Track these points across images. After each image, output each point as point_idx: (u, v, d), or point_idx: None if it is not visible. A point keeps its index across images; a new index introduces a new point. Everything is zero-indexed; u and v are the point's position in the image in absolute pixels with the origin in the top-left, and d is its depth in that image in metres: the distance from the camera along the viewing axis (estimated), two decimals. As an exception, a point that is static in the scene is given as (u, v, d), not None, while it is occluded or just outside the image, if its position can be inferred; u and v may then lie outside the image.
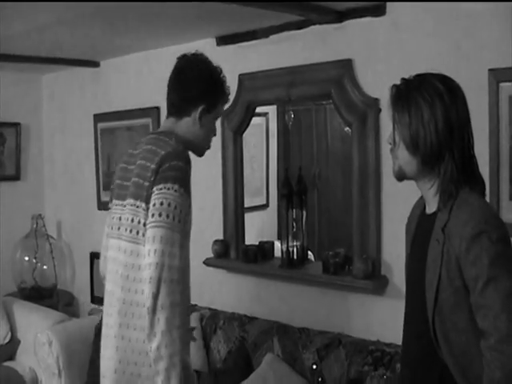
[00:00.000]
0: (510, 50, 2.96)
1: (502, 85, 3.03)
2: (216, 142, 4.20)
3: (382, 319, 3.48)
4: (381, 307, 3.48)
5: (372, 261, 3.42)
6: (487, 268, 1.78)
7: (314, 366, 3.43)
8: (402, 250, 3.35)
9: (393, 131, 1.99)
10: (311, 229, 4.54)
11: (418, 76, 1.98)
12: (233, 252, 4.12)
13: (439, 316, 1.91)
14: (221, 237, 4.19)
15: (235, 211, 4.14)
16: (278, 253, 4.01)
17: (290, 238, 3.80)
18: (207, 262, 4.16)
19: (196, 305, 4.22)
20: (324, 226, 5.04)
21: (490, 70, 3.04)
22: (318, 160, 5.14)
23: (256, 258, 3.96)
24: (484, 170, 3.08)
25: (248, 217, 4.39)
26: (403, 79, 1.99)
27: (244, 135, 4.21)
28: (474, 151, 2.01)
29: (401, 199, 3.39)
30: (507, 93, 3.03)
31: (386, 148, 3.43)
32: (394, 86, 1.98)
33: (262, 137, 5.39)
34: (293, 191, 3.82)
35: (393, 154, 2.02)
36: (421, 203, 2.14)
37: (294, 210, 3.85)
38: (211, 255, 4.15)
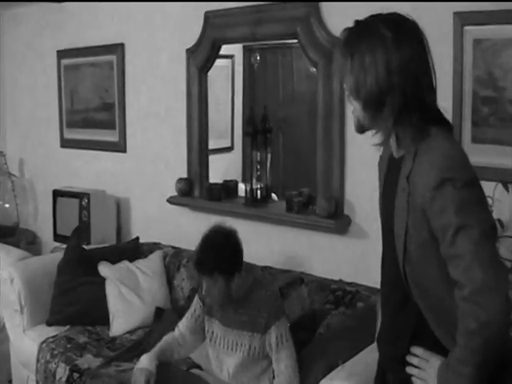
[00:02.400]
0: (476, -7, 2.97)
1: (466, 28, 3.05)
2: (181, 79, 4.20)
3: (344, 259, 3.55)
4: (343, 247, 3.55)
5: (335, 200, 3.46)
6: (454, 217, 1.69)
7: (277, 304, 3.50)
8: (364, 190, 3.44)
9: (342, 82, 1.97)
10: (276, 170, 4.56)
11: (368, 20, 1.88)
12: (197, 190, 4.14)
13: (409, 266, 1.85)
14: (185, 175, 4.19)
15: (199, 149, 4.15)
16: (242, 193, 4.04)
17: (254, 177, 3.82)
18: (171, 200, 4.17)
19: (159, 243, 4.25)
20: (289, 167, 5.06)
21: (454, 13, 3.05)
22: (284, 102, 5.13)
23: (220, 197, 3.99)
24: (447, 113, 3.15)
25: (213, 159, 4.40)
26: (355, 22, 1.89)
27: (210, 77, 4.19)
28: (433, 95, 1.89)
29: (364, 140, 3.42)
30: (471, 36, 3.04)
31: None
32: (344, 30, 1.89)
33: (227, 79, 5.35)
34: (257, 130, 3.83)
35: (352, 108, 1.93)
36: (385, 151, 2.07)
37: (259, 150, 3.86)
38: (175, 193, 4.16)
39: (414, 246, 1.82)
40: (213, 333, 3.04)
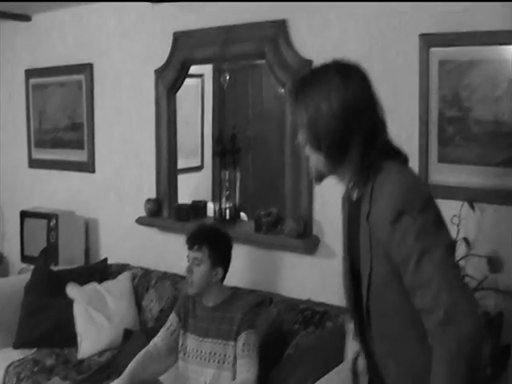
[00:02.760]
0: (441, 16, 3.01)
1: (432, 50, 3.09)
2: (149, 99, 4.19)
3: (312, 278, 3.55)
4: (312, 266, 3.55)
5: (304, 221, 3.47)
6: (415, 244, 1.71)
7: (245, 324, 3.48)
8: (333, 210, 3.43)
9: (298, 135, 1.92)
10: (245, 190, 4.56)
11: (313, 71, 1.92)
12: (166, 211, 4.12)
13: (372, 302, 1.86)
14: (154, 195, 4.17)
15: (168, 170, 4.14)
16: (211, 213, 4.03)
17: (222, 196, 3.82)
18: (140, 221, 4.15)
19: (128, 264, 4.22)
20: (258, 187, 5.06)
21: (420, 35, 3.09)
22: (254, 121, 5.14)
23: (188, 217, 3.98)
24: (414, 132, 3.19)
25: (182, 178, 4.40)
26: (301, 76, 1.91)
27: (179, 97, 4.19)
28: (385, 128, 1.89)
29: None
30: (437, 57, 3.09)
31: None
32: (290, 83, 1.95)
33: (197, 98, 5.34)
34: (226, 150, 3.84)
35: (306, 156, 1.93)
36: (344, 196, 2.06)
37: (228, 170, 3.87)
38: (144, 214, 4.14)
39: (375, 283, 1.84)
40: (187, 347, 3.07)
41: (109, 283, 4.07)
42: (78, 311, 3.88)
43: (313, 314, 3.28)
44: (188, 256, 3.06)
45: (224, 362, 2.98)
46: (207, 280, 3.02)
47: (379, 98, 1.87)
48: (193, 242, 3.05)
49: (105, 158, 4.60)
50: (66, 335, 3.85)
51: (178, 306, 3.19)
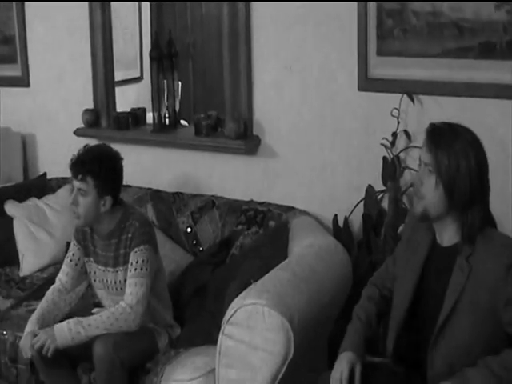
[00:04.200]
0: None
1: None
2: (83, 7, 4.02)
3: (254, 179, 3.53)
4: (253, 167, 3.53)
5: (244, 121, 3.41)
6: None
7: (189, 230, 3.46)
8: (273, 110, 3.41)
9: (424, 170, 2.09)
10: (186, 96, 4.49)
11: (450, 124, 2.12)
12: (104, 120, 4.00)
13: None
14: (91, 106, 4.05)
15: (105, 78, 3.99)
16: (150, 120, 3.93)
17: (161, 103, 3.73)
18: (78, 132, 4.03)
19: (68, 177, 4.11)
20: (199, 93, 5.00)
21: None
22: (193, 27, 5.02)
23: (128, 125, 3.88)
24: (352, 27, 3.13)
25: (122, 90, 4.27)
26: (438, 123, 2.13)
27: (114, 5, 4.02)
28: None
29: (273, 59, 3.39)
30: None
31: (256, 9, 3.40)
32: (433, 124, 2.12)
33: (134, 8, 5.15)
34: (163, 55, 3.72)
35: (418, 194, 2.11)
36: (421, 229, 2.24)
37: (166, 76, 3.77)
38: (82, 125, 4.03)
39: (461, 318, 2.07)
40: (95, 273, 2.96)
41: (49, 198, 3.98)
42: (19, 228, 3.79)
43: (256, 214, 3.29)
44: (72, 184, 2.86)
45: (118, 289, 2.88)
46: (95, 211, 2.80)
47: None
48: (76, 170, 2.81)
49: (39, 71, 4.42)
50: (6, 254, 3.76)
51: (75, 232, 3.01)
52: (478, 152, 2.06)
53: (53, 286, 3.00)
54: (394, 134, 3.05)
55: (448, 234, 2.13)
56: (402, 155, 3.09)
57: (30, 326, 2.82)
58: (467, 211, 2.05)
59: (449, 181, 2.03)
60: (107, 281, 2.91)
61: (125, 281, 2.83)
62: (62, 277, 3.00)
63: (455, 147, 2.03)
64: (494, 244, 2.07)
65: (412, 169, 3.04)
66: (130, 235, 2.82)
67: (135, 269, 2.77)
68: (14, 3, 4.42)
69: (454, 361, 2.07)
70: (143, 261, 2.78)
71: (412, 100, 3.02)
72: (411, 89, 3.03)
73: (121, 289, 2.87)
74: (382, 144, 3.06)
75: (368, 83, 3.16)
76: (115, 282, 2.89)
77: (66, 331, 2.67)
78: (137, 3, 5.11)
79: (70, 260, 3.00)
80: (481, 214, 2.06)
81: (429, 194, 2.08)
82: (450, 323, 2.08)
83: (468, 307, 2.06)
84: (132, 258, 2.79)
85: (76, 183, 2.80)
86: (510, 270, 2.00)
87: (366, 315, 2.33)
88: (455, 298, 2.06)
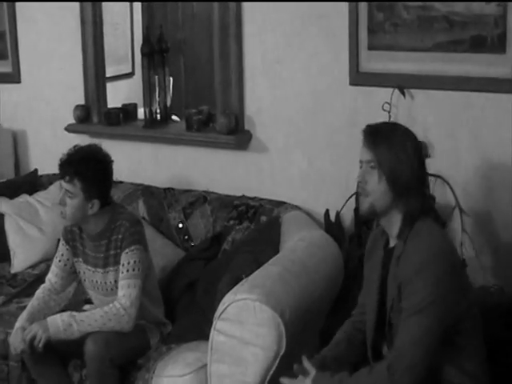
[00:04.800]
0: None
1: None
2: (74, 6, 4.00)
3: (246, 174, 3.53)
4: (245, 162, 3.53)
5: (235, 116, 3.41)
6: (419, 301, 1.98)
7: (180, 225, 3.46)
8: (264, 104, 3.40)
9: (365, 168, 2.14)
10: (178, 92, 4.48)
11: (384, 122, 2.30)
12: (95, 117, 3.99)
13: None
14: (82, 102, 4.04)
15: (96, 74, 3.98)
16: (142, 116, 3.93)
17: (153, 98, 3.73)
18: (69, 128, 4.02)
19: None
20: (190, 89, 5.00)
21: None
22: (184, 23, 5.01)
23: (119, 121, 3.87)
24: (343, 21, 3.12)
25: (114, 86, 4.26)
26: (373, 124, 2.19)
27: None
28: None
29: (262, 54, 3.38)
30: None
31: (247, 4, 3.39)
32: (368, 125, 2.17)
33: (125, 3, 5.13)
34: (154, 50, 3.72)
35: (364, 192, 2.15)
36: (378, 237, 2.30)
37: (157, 72, 3.76)
38: (73, 121, 4.01)
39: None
40: (84, 273, 2.94)
41: (40, 194, 3.97)
42: (10, 225, 3.78)
43: (247, 209, 3.28)
44: (61, 185, 2.82)
45: (108, 289, 2.87)
46: (82, 212, 2.77)
47: None
48: (63, 171, 2.77)
49: (30, 67, 4.40)
50: (-3, 251, 3.75)
51: (64, 232, 2.98)
52: (414, 141, 2.14)
53: (43, 285, 2.99)
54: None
55: (395, 232, 2.16)
56: (393, 149, 3.08)
57: (20, 321, 2.81)
58: (408, 199, 2.10)
59: (390, 172, 2.09)
60: (97, 281, 2.90)
61: (115, 282, 2.82)
62: (52, 277, 2.98)
63: (393, 140, 2.12)
64: (416, 241, 2.08)
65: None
66: (120, 236, 2.80)
67: (127, 270, 2.75)
68: (4, 0, 4.41)
69: None
70: (135, 261, 2.76)
71: (403, 94, 3.01)
72: (402, 83, 3.02)
73: (111, 289, 2.86)
74: (374, 138, 3.07)
75: (359, 77, 3.15)
76: (105, 283, 2.87)
77: (59, 322, 2.66)
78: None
79: (59, 260, 2.98)
80: (419, 201, 2.11)
81: (374, 189, 2.13)
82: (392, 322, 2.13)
83: (399, 307, 2.08)
84: (123, 259, 2.77)
85: (63, 184, 2.77)
86: (418, 274, 2.00)
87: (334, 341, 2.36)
88: (392, 298, 2.11)
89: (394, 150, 2.10)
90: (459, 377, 2.05)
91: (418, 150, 2.14)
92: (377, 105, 3.06)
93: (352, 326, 2.37)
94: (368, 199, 2.14)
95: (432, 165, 2.98)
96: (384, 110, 3.03)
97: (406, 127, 2.19)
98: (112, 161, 2.87)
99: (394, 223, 2.16)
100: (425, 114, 3.03)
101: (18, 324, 2.80)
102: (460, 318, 2.04)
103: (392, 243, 2.20)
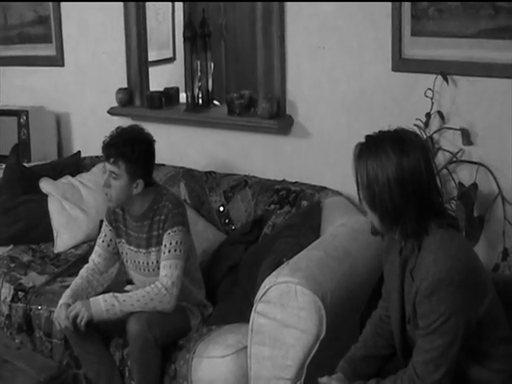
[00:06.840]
0: None
1: None
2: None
3: (287, 159, 3.54)
4: (286, 147, 3.53)
5: (277, 100, 3.42)
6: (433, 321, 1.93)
7: (221, 208, 3.48)
8: (306, 89, 3.41)
9: (357, 189, 2.06)
10: (219, 77, 4.48)
11: (375, 136, 2.04)
12: (137, 100, 4.04)
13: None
14: (125, 85, 4.08)
15: (139, 58, 4.03)
16: (183, 100, 3.95)
17: (194, 82, 3.74)
18: (112, 111, 4.07)
19: (102, 155, 4.15)
20: (232, 74, 4.98)
21: None
22: (226, 8, 5.01)
23: (161, 104, 3.91)
24: (386, 7, 3.10)
25: (155, 70, 4.27)
26: (365, 137, 2.05)
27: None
28: (438, 198, 2.05)
29: (305, 38, 3.38)
30: None
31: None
32: (358, 144, 2.05)
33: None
34: (196, 34, 3.73)
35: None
36: (391, 244, 2.20)
37: (199, 56, 3.78)
38: (115, 104, 4.06)
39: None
40: (127, 254, 2.98)
41: (83, 176, 4.03)
42: (53, 206, 3.84)
43: (288, 194, 3.29)
44: (104, 167, 2.85)
45: (150, 270, 2.91)
46: (127, 193, 2.81)
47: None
48: (108, 153, 2.80)
49: (74, 50, 4.46)
50: (41, 231, 3.81)
51: (107, 213, 3.03)
52: (401, 161, 1.94)
53: (86, 265, 3.04)
54: (428, 115, 3.02)
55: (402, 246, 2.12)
56: (435, 136, 3.06)
57: (65, 298, 2.86)
58: (400, 223, 1.99)
59: (368, 192, 1.99)
60: (139, 262, 2.94)
61: (157, 262, 2.86)
62: (95, 258, 3.03)
63: (372, 160, 1.97)
64: (426, 260, 1.96)
65: (446, 150, 3.02)
66: (163, 217, 2.83)
67: (169, 250, 2.79)
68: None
69: None
70: (177, 242, 2.80)
71: (446, 80, 2.98)
72: (445, 69, 2.99)
73: (153, 270, 2.90)
74: (416, 125, 3.03)
75: (402, 63, 3.13)
76: (147, 264, 2.91)
77: (101, 302, 2.71)
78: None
79: (102, 241, 3.02)
80: (413, 224, 1.97)
81: (366, 208, 2.06)
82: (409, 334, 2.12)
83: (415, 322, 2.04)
84: (166, 239, 2.81)
85: (108, 166, 2.80)
86: (429, 297, 1.93)
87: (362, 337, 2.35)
88: (408, 312, 2.07)
89: (371, 172, 1.97)
90: (486, 374, 2.02)
91: (403, 171, 1.93)
92: (419, 91, 3.04)
93: (379, 318, 2.35)
94: (369, 220, 2.08)
95: (475, 153, 2.99)
96: (427, 97, 3.02)
97: (399, 142, 1.98)
98: (154, 140, 2.90)
99: (399, 242, 2.11)
100: (468, 101, 3.00)
101: (62, 300, 2.85)
102: (480, 322, 1.98)
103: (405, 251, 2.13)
